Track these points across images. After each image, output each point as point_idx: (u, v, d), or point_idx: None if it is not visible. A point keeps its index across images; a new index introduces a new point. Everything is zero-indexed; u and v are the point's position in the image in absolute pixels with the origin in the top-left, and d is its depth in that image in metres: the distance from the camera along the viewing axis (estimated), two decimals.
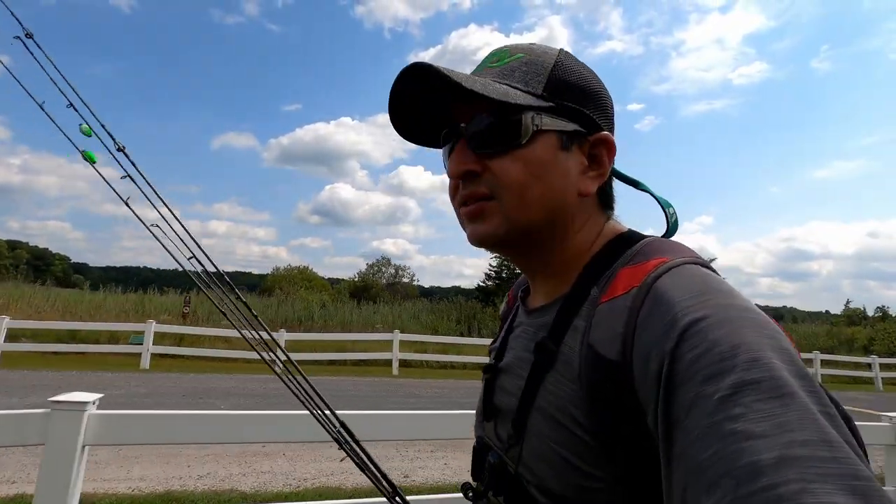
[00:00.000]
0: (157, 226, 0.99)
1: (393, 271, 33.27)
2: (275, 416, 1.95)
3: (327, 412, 0.97)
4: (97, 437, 1.81)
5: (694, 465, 0.34)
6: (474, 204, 0.55)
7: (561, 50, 0.59)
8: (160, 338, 10.77)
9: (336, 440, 0.95)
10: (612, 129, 0.59)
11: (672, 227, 0.61)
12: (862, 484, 0.29)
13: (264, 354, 1.01)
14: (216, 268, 1.09)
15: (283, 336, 11.08)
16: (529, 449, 0.51)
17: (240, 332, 0.99)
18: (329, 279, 33.65)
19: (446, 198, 0.58)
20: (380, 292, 29.22)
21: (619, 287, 0.49)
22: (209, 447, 4.73)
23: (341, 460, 0.96)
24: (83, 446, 1.77)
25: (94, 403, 1.81)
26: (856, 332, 20.07)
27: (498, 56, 0.58)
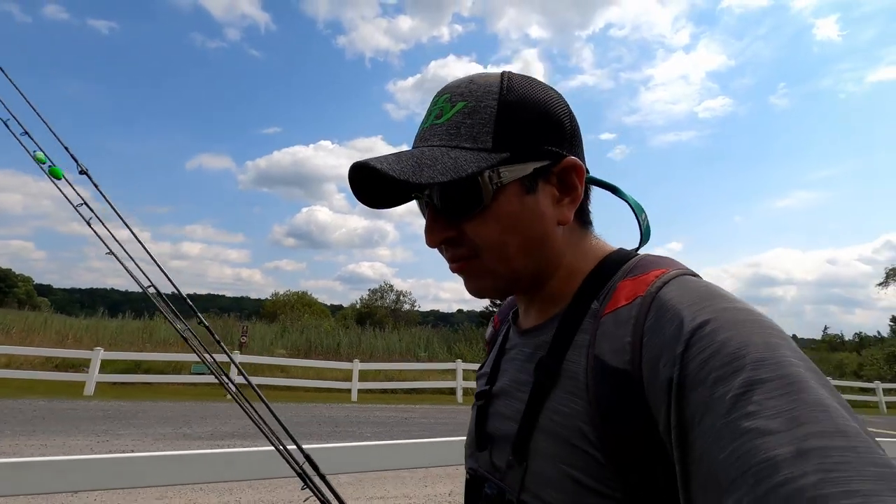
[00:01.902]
0: (113, 253, 1.01)
1: (394, 297, 33.69)
2: (231, 453, 1.74)
3: (290, 446, 0.95)
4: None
5: (712, 467, 0.34)
6: (460, 263, 0.56)
7: (503, 78, 0.56)
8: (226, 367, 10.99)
9: (299, 475, 0.87)
10: (575, 145, 0.57)
11: (645, 233, 0.60)
12: (882, 470, 0.29)
13: (223, 378, 1.04)
14: (178, 292, 1.07)
15: (356, 366, 11.52)
16: (534, 474, 0.49)
17: (200, 357, 1.03)
18: None
19: (423, 221, 0.58)
20: (384, 318, 29.49)
21: (621, 298, 0.49)
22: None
23: (305, 501, 0.90)
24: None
25: None
26: (844, 357, 21.59)
27: (441, 107, 0.56)
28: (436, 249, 0.58)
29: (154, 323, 17.10)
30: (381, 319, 28.27)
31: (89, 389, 9.32)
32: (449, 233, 0.55)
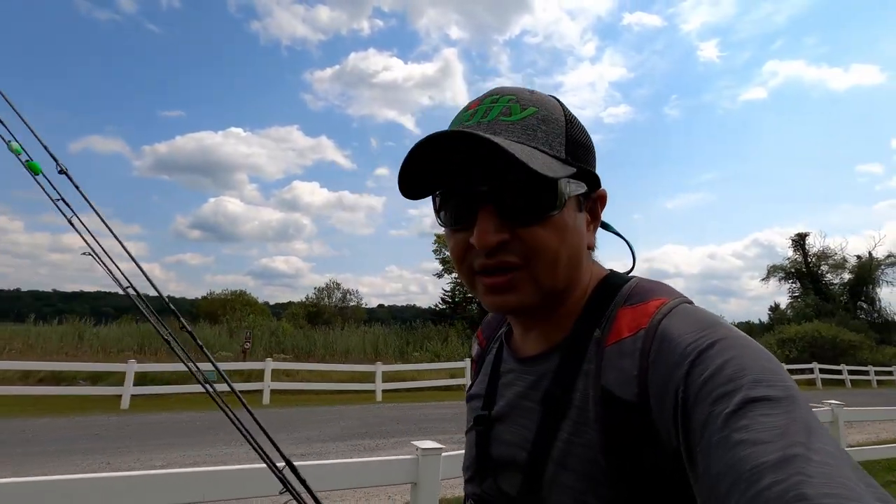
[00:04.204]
0: (93, 252, 0.96)
1: (341, 295, 33.26)
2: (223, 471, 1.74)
3: (272, 454, 0.94)
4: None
5: (713, 478, 0.37)
6: (504, 275, 0.53)
7: (558, 100, 0.58)
8: (242, 374, 10.88)
9: (281, 480, 0.90)
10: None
11: (635, 263, 0.65)
12: (854, 481, 0.32)
13: (208, 387, 0.99)
14: (161, 296, 1.03)
15: (379, 367, 11.63)
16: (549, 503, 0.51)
17: (186, 365, 0.98)
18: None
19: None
20: (332, 316, 29.12)
21: (623, 328, 0.51)
22: None
23: None
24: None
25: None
26: None
27: (508, 107, 0.54)
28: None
29: (86, 328, 15.67)
30: (329, 318, 27.96)
31: (125, 403, 8.84)
32: (506, 235, 0.52)
